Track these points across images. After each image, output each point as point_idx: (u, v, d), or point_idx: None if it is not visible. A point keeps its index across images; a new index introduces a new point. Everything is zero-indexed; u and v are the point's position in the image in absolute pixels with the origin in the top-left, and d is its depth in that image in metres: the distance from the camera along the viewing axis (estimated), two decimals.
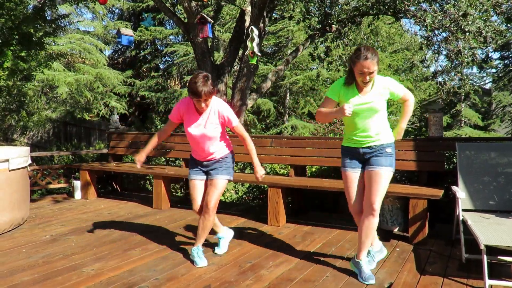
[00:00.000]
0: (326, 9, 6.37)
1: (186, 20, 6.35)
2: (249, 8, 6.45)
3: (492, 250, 2.96)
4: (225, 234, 3.62)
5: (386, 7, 5.79)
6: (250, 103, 6.77)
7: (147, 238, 3.94)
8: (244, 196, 6.62)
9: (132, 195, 6.16)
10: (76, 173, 6.11)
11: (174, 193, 6.68)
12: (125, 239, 3.93)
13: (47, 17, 6.57)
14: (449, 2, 5.23)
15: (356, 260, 3.01)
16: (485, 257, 2.70)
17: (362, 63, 2.72)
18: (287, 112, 14.53)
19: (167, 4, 7.68)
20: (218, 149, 3.30)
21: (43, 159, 8.08)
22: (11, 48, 5.71)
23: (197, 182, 3.36)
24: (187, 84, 3.12)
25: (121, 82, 12.94)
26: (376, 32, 15.11)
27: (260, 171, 3.30)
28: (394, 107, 12.96)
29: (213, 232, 4.05)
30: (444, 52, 5.55)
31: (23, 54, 5.82)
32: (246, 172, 6.41)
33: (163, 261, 3.32)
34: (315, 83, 13.83)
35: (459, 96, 15.20)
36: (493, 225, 3.11)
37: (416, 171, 4.34)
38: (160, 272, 3.08)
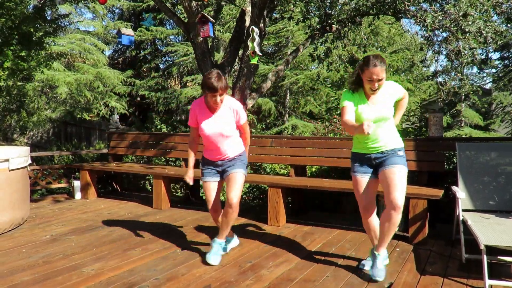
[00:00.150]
0: (326, 9, 6.37)
1: (186, 20, 6.35)
2: (249, 8, 6.45)
3: (492, 250, 2.96)
4: (233, 239, 3.64)
5: (386, 7, 5.79)
6: (250, 103, 6.77)
7: (147, 238, 3.94)
8: (244, 196, 6.62)
9: (132, 195, 6.17)
10: (76, 173, 6.12)
11: (174, 193, 6.68)
12: (125, 239, 3.93)
13: (47, 17, 6.57)
14: (449, 2, 5.23)
15: (375, 252, 3.04)
16: (485, 257, 2.70)
17: (371, 70, 2.76)
18: (287, 112, 14.53)
19: (167, 4, 7.67)
20: (232, 148, 3.30)
21: (43, 159, 8.08)
22: (11, 48, 5.71)
23: (211, 184, 3.36)
24: (201, 82, 3.15)
25: (121, 82, 12.94)
26: (376, 33, 15.11)
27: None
28: None
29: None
30: (444, 52, 5.55)
31: (23, 54, 5.82)
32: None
33: (163, 261, 3.32)
34: (315, 83, 13.83)
35: (459, 96, 15.19)
36: (493, 225, 3.11)
37: (416, 171, 4.34)
38: (160, 272, 3.08)
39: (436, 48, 5.58)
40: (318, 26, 6.78)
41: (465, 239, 3.28)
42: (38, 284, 2.86)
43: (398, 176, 2.88)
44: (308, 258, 3.38)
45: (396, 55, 15.15)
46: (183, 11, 7.65)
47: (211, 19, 5.50)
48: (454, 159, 4.67)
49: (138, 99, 14.52)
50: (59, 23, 6.71)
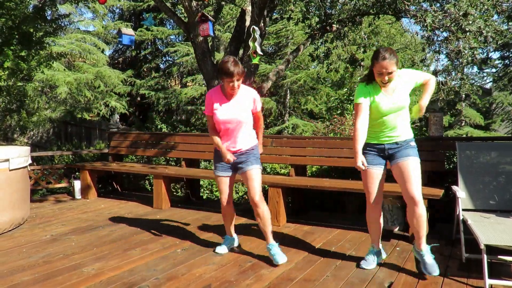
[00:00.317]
0: (326, 9, 6.37)
1: (186, 20, 6.34)
2: (249, 8, 6.45)
3: (492, 250, 2.96)
4: (231, 237, 3.63)
5: (386, 6, 5.78)
6: None
7: (147, 238, 3.94)
8: (244, 196, 6.62)
9: (133, 195, 6.17)
10: (77, 173, 6.12)
11: (175, 193, 6.68)
12: (125, 238, 3.93)
13: (47, 17, 6.57)
14: (449, 1, 5.22)
15: (417, 250, 3.05)
16: (485, 256, 2.70)
17: (381, 64, 2.77)
18: (287, 111, 14.53)
19: (168, 4, 7.67)
20: (245, 140, 3.28)
21: (44, 159, 8.08)
22: (11, 47, 5.72)
23: (224, 179, 3.36)
24: (218, 68, 3.14)
25: (121, 82, 12.94)
26: (376, 32, 15.10)
27: (260, 150, 3.39)
28: None
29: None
30: (444, 52, 5.55)
31: (23, 53, 5.82)
32: None
33: (163, 261, 3.32)
34: (315, 83, 13.83)
35: (460, 95, 15.19)
36: (493, 225, 3.11)
37: None
38: (160, 272, 3.08)
39: (436, 48, 5.58)
40: (318, 26, 6.78)
41: (465, 238, 3.28)
42: (38, 284, 2.86)
43: (413, 170, 2.92)
44: (308, 258, 3.38)
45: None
46: (183, 11, 7.65)
47: (211, 18, 5.49)
48: (454, 159, 4.67)
49: (139, 99, 14.52)
50: (59, 23, 6.71)
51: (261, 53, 5.51)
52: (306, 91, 14.14)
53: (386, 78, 2.81)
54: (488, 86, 18.45)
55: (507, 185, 3.63)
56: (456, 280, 2.88)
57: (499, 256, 3.04)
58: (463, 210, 3.48)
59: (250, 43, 5.42)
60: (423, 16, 5.17)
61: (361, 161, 2.94)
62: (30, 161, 4.63)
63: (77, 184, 5.87)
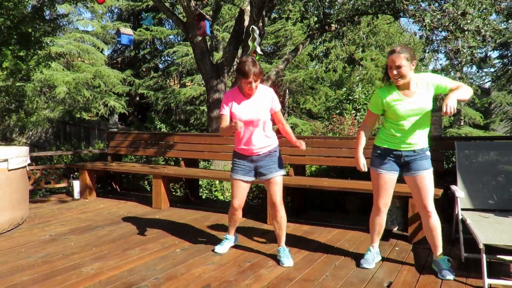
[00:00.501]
0: (325, 8, 6.37)
1: (185, 20, 6.34)
2: (248, 8, 6.45)
3: (491, 249, 2.96)
4: (232, 238, 3.63)
5: (385, 6, 5.79)
6: None
7: (146, 238, 3.94)
8: None
9: (132, 195, 6.16)
10: (76, 173, 6.11)
11: (174, 193, 6.68)
12: (124, 238, 3.93)
13: (46, 17, 6.57)
14: (448, 1, 5.23)
15: (434, 259, 3.07)
16: (484, 256, 2.70)
17: (390, 57, 2.80)
18: (286, 111, 14.54)
19: (166, 4, 7.67)
20: (265, 140, 3.23)
21: (43, 159, 8.07)
22: (10, 47, 5.71)
23: (243, 184, 3.29)
24: (235, 68, 3.11)
25: (120, 81, 12.93)
26: (374, 32, 15.11)
27: (303, 145, 3.21)
28: None
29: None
30: (443, 51, 5.56)
31: (22, 53, 5.81)
32: None
33: (163, 261, 3.32)
34: (314, 83, 13.84)
35: None
36: (492, 224, 3.11)
37: None
38: (159, 272, 3.08)
39: (435, 47, 5.58)
40: (317, 26, 6.78)
41: (464, 238, 3.28)
42: (37, 284, 2.86)
43: (428, 183, 2.93)
44: (307, 258, 3.38)
45: None
46: (182, 10, 7.63)
47: (208, 17, 5.49)
48: (453, 158, 4.67)
49: (138, 98, 14.51)
50: (58, 23, 6.70)
51: (261, 53, 5.52)
52: (305, 90, 14.15)
53: (395, 72, 2.79)
54: (487, 85, 18.48)
55: (506, 185, 3.63)
56: (455, 279, 2.89)
57: (498, 256, 3.04)
58: (462, 209, 3.49)
59: (250, 43, 5.43)
60: (422, 15, 5.17)
61: (362, 164, 3.02)
62: (29, 161, 4.62)
63: (76, 184, 5.86)
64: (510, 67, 12.80)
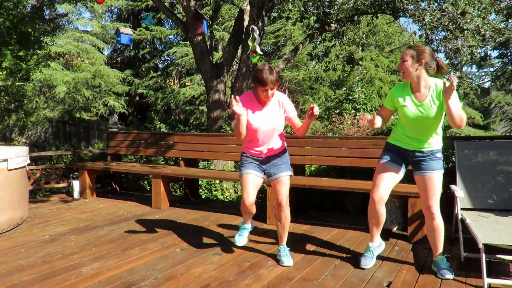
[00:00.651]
0: (324, 8, 6.38)
1: (185, 19, 6.34)
2: (248, 8, 6.45)
3: (491, 249, 2.96)
4: (249, 225, 3.56)
5: (385, 6, 5.79)
6: None
7: (146, 238, 3.94)
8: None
9: (131, 195, 6.16)
10: (75, 173, 6.11)
11: (173, 193, 6.68)
12: (124, 238, 3.93)
13: (46, 17, 6.56)
14: (447, 0, 5.23)
15: (434, 259, 3.08)
16: (483, 255, 2.70)
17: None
18: None
19: (166, 3, 7.67)
20: (277, 142, 3.25)
21: (42, 159, 8.08)
22: (10, 47, 5.71)
23: (252, 177, 3.24)
24: (252, 76, 3.08)
25: (120, 81, 12.93)
26: (374, 32, 15.11)
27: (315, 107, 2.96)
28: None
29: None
30: (442, 50, 5.56)
31: (21, 53, 5.81)
32: None
33: (162, 261, 3.32)
34: (313, 83, 13.83)
35: (459, 94, 15.19)
36: (491, 224, 3.11)
37: None
38: (159, 272, 3.08)
39: (434, 47, 5.58)
40: (316, 25, 6.78)
41: (463, 237, 3.28)
42: (37, 284, 2.86)
43: (435, 184, 2.93)
44: (307, 257, 3.38)
45: (395, 56, 15.15)
46: (181, 10, 7.63)
47: (205, 17, 5.49)
48: (453, 158, 4.67)
49: (137, 98, 14.51)
50: (58, 23, 6.70)
51: (261, 53, 5.52)
52: (304, 90, 14.14)
53: (400, 66, 2.86)
54: (486, 85, 18.48)
55: (505, 184, 3.63)
56: (455, 279, 2.89)
57: (498, 255, 3.04)
58: (462, 209, 3.49)
59: (250, 43, 5.42)
60: (422, 15, 5.17)
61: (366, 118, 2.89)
62: (28, 161, 4.62)
63: (76, 184, 5.86)
64: (509, 67, 12.79)
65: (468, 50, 5.19)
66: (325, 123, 9.26)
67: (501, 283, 2.77)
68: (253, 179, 3.24)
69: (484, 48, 5.89)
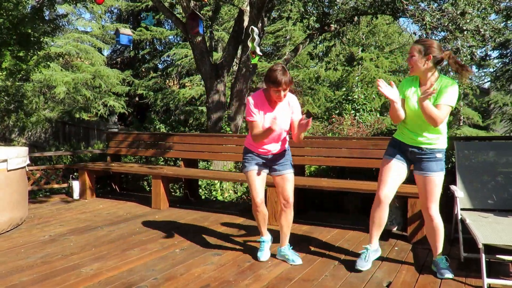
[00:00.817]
0: (324, 8, 6.38)
1: (184, 20, 6.34)
2: (247, 8, 6.45)
3: (491, 249, 2.96)
4: (268, 238, 3.49)
5: (385, 6, 5.79)
6: None
7: (145, 238, 3.94)
8: (243, 196, 6.62)
9: (131, 195, 6.16)
10: (75, 173, 6.11)
11: (173, 193, 6.68)
12: (123, 239, 3.93)
13: (46, 17, 6.56)
14: (447, 1, 5.23)
15: (433, 259, 3.07)
16: (483, 256, 2.70)
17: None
18: None
19: (166, 4, 7.67)
20: (284, 142, 3.29)
21: (42, 159, 8.07)
22: (9, 48, 5.71)
23: (259, 172, 3.23)
24: (265, 76, 3.06)
25: (120, 82, 12.93)
26: (373, 33, 15.11)
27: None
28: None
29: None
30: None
31: (21, 54, 5.81)
32: None
33: (162, 261, 3.32)
34: (313, 84, 13.84)
35: (458, 94, 15.18)
36: (491, 224, 3.11)
37: None
38: (159, 272, 3.08)
39: None
40: (316, 26, 6.78)
41: (463, 238, 3.28)
42: (36, 285, 2.86)
43: (434, 186, 2.93)
44: (307, 258, 3.38)
45: (394, 56, 15.15)
46: (181, 11, 7.63)
47: (201, 16, 5.48)
48: (453, 158, 4.67)
49: (137, 99, 14.51)
50: (58, 23, 6.70)
51: (260, 53, 5.52)
52: (304, 91, 14.15)
53: (408, 61, 2.89)
54: (486, 85, 18.48)
55: (505, 185, 3.63)
56: (454, 279, 2.89)
57: (497, 256, 3.04)
58: (462, 209, 3.49)
59: (249, 43, 5.42)
60: (421, 15, 5.18)
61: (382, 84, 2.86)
62: (28, 162, 4.62)
63: (76, 185, 5.86)
64: (509, 67, 12.79)
65: (468, 50, 5.20)
66: (324, 124, 9.26)
67: (501, 283, 2.77)
68: (259, 175, 3.25)
69: (484, 48, 5.90)
